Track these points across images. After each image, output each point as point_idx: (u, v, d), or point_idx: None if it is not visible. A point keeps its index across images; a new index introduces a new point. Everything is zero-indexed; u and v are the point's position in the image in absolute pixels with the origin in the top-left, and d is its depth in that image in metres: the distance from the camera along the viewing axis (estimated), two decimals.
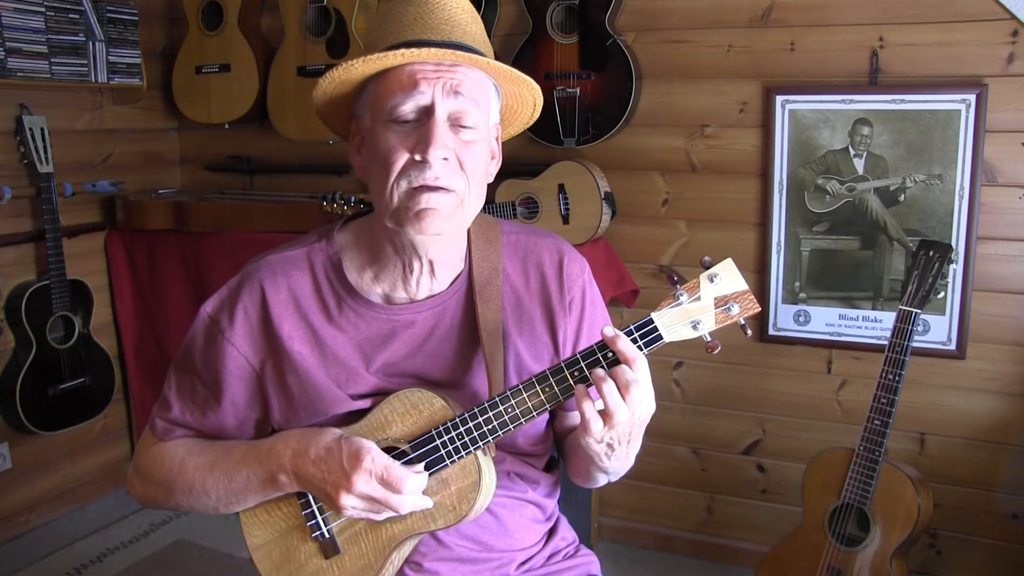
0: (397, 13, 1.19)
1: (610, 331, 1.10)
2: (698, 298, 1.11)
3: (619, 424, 1.10)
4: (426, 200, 1.14)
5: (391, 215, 1.17)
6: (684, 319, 1.12)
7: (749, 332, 1.15)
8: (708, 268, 1.12)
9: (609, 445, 1.13)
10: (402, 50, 1.12)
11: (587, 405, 1.09)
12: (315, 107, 1.25)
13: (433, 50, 1.13)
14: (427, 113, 1.14)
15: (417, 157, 1.13)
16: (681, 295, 1.11)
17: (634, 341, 1.11)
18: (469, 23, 1.19)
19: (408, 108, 1.14)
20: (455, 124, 1.15)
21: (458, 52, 1.13)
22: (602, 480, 1.29)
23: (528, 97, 1.27)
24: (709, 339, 1.13)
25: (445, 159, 1.14)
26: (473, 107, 1.16)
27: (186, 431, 1.32)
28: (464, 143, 1.16)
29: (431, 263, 1.24)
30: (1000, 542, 2.52)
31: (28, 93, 2.89)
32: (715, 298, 1.11)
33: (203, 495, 1.26)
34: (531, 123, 1.34)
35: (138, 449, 1.36)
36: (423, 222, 1.15)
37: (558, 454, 1.44)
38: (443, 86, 1.14)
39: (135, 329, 3.28)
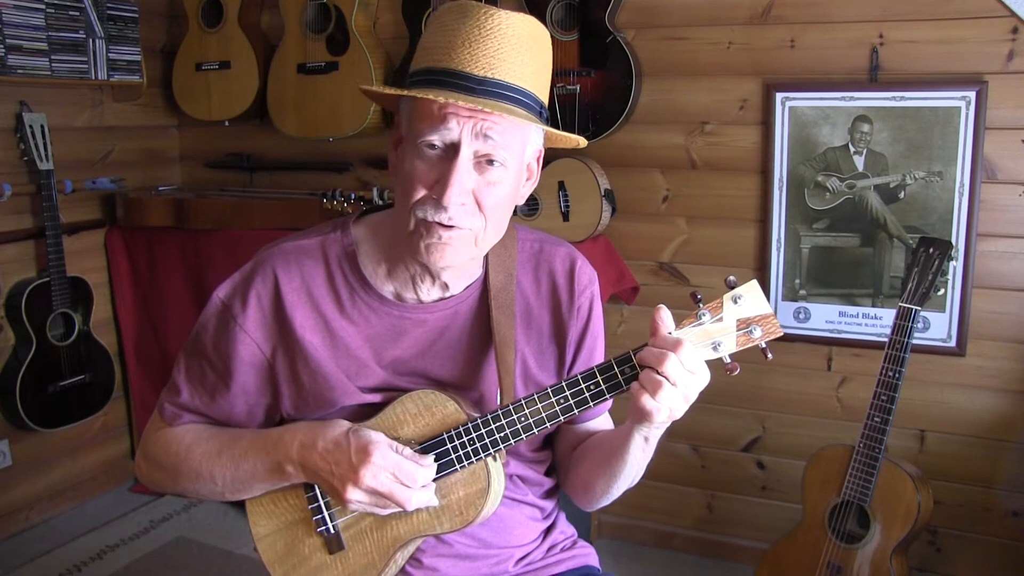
0: (452, 24, 1.13)
1: (663, 311, 1.10)
2: (720, 319, 1.10)
3: (672, 395, 1.07)
4: (438, 236, 1.13)
5: (407, 235, 1.17)
6: (705, 340, 1.10)
7: (771, 356, 1.12)
8: (733, 288, 1.10)
9: (670, 414, 1.10)
10: (433, 91, 1.09)
11: (645, 397, 1.08)
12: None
13: (463, 99, 1.08)
14: (454, 149, 1.11)
15: (435, 196, 1.12)
16: (703, 315, 1.10)
17: None
18: (521, 52, 1.12)
19: (435, 140, 1.12)
20: (482, 161, 1.13)
21: (490, 102, 1.09)
22: (620, 488, 1.28)
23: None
24: (728, 361, 1.11)
25: (462, 204, 1.12)
26: (503, 149, 1.13)
27: (194, 416, 1.31)
28: (487, 184, 1.13)
29: (443, 281, 1.25)
30: (1000, 539, 2.52)
31: (28, 90, 2.89)
32: (737, 320, 1.09)
33: (209, 481, 1.26)
34: (580, 145, 1.28)
35: (146, 433, 1.35)
36: (433, 255, 1.15)
37: (558, 477, 1.42)
38: (473, 126, 1.10)
39: (135, 326, 3.27)
